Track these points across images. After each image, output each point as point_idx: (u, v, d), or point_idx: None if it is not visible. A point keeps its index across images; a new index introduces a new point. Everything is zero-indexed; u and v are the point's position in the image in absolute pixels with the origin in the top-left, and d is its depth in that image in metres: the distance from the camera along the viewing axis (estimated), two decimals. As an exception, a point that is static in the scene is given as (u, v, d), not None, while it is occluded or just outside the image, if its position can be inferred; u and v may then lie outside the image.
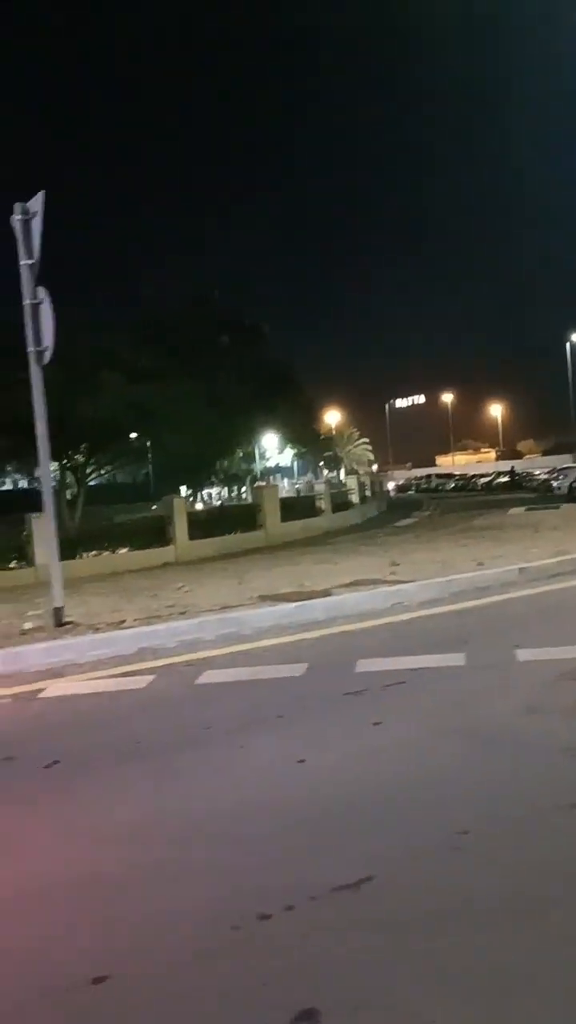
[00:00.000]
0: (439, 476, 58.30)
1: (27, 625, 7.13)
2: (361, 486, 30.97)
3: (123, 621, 7.04)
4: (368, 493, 32.54)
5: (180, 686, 5.05)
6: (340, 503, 28.62)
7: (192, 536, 22.09)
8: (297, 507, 26.14)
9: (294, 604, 6.86)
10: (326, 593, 7.62)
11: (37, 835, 3.00)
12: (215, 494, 42.99)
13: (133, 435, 24.87)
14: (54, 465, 23.69)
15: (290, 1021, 1.86)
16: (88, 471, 22.74)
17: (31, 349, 6.97)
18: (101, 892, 2.54)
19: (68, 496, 22.95)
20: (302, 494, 31.64)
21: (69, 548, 20.51)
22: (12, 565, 19.40)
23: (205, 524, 22.88)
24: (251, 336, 30.75)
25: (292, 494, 34.37)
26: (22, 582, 16.79)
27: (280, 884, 2.47)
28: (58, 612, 7.09)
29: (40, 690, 5.22)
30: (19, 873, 2.71)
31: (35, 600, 9.79)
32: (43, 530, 19.84)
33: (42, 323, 6.86)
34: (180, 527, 21.79)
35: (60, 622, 7.01)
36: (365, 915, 2.28)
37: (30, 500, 25.29)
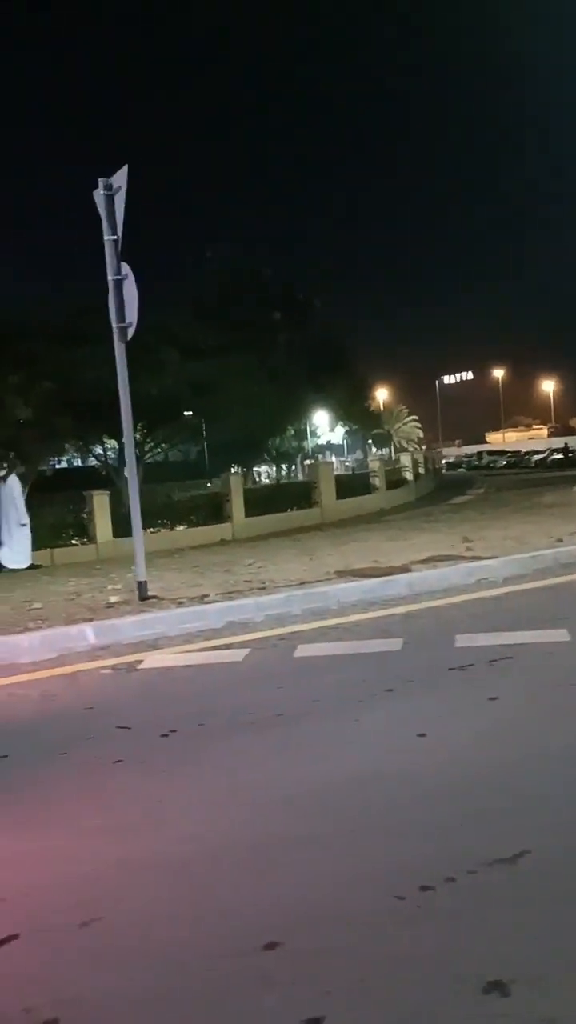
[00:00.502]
0: (491, 453, 57.48)
1: (112, 599, 7.23)
2: (415, 463, 30.71)
3: (206, 595, 7.08)
4: (421, 471, 32.26)
5: (278, 659, 5.07)
6: (394, 481, 28.46)
7: (248, 513, 22.22)
8: (351, 485, 26.10)
9: (378, 579, 6.82)
10: (405, 569, 7.56)
11: (181, 802, 3.03)
12: (263, 472, 43.05)
13: (188, 413, 24.96)
14: (112, 443, 24.00)
15: (480, 991, 1.84)
16: (147, 449, 22.92)
17: (115, 325, 6.99)
18: (260, 859, 2.55)
19: (126, 474, 23.19)
20: (356, 472, 31.48)
21: (128, 525, 20.88)
22: (74, 542, 19.79)
23: (261, 501, 22.99)
24: (303, 312, 30.55)
25: (342, 472, 34.24)
26: (85, 558, 17.12)
27: (434, 856, 2.46)
28: (142, 586, 7.17)
29: (138, 661, 5.29)
30: (177, 838, 2.74)
31: (109, 575, 9.94)
32: (104, 507, 20.23)
33: (126, 299, 6.87)
34: (237, 504, 21.93)
35: (144, 596, 7.10)
36: (529, 887, 2.26)
37: (87, 478, 25.69)
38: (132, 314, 6.85)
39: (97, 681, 4.96)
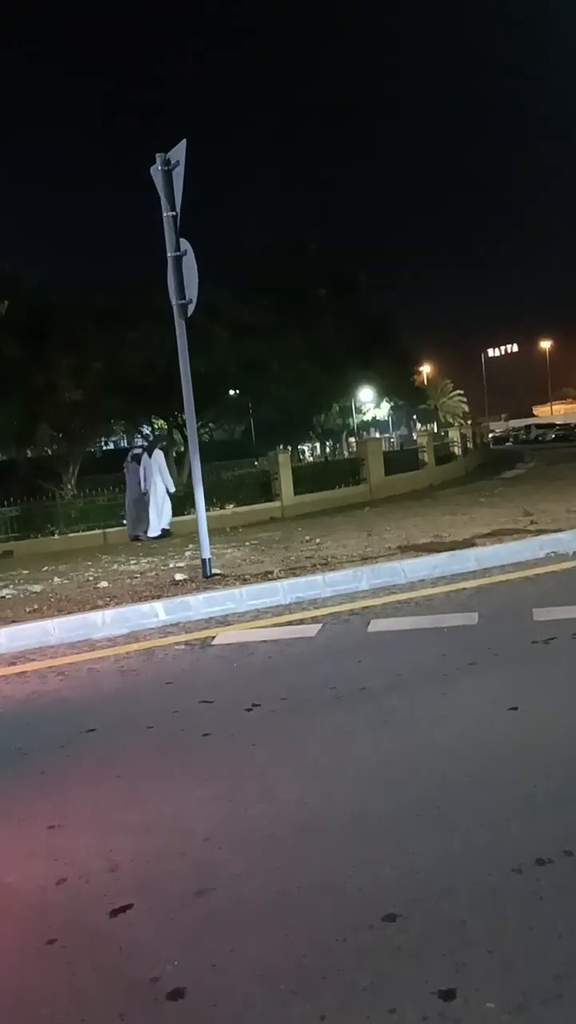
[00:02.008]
0: (539, 426, 56.37)
1: (177, 576, 7.28)
2: (463, 438, 30.28)
3: (270, 572, 7.08)
4: (470, 445, 31.79)
5: (352, 634, 5.04)
6: (442, 456, 28.09)
7: (297, 491, 22.15)
8: (400, 461, 25.79)
9: (446, 554, 6.73)
10: (469, 543, 7.46)
11: (281, 775, 3.03)
12: (308, 450, 42.90)
13: (233, 391, 24.93)
14: (160, 423, 24.13)
15: (619, 966, 1.80)
16: (197, 428, 23.02)
17: (175, 302, 6.97)
18: (368, 832, 2.54)
19: (174, 454, 23.29)
20: (405, 447, 31.17)
21: (179, 505, 21.00)
22: (125, 522, 19.98)
23: (309, 479, 22.87)
24: (348, 287, 30.17)
25: (387, 448, 33.95)
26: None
27: (545, 829, 2.41)
28: (206, 563, 7.20)
29: (211, 637, 5.31)
30: (283, 811, 2.74)
31: (168, 553, 10.02)
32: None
33: (185, 275, 6.84)
34: (285, 482, 21.86)
35: (209, 573, 7.13)
36: None
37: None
38: (192, 290, 6.81)
39: (173, 656, 4.99)
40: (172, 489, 14.27)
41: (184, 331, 7.08)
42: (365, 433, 42.65)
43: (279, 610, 5.92)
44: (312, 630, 5.20)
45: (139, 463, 14.74)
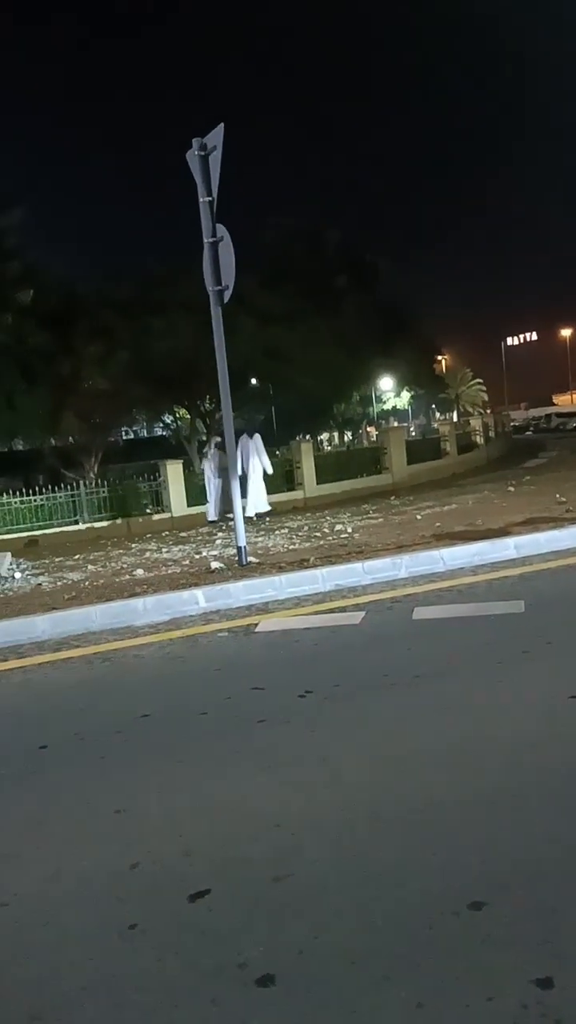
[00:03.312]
0: (560, 415, 55.83)
1: (213, 564, 7.27)
2: (485, 427, 30.07)
3: (306, 560, 7.07)
4: (492, 434, 31.57)
5: (397, 621, 5.01)
6: (464, 445, 27.92)
7: (319, 480, 22.11)
8: (422, 449, 25.66)
9: (485, 542, 6.67)
10: (504, 532, 7.40)
11: (347, 761, 3.01)
12: (326, 439, 42.75)
13: (255, 380, 24.87)
14: (182, 412, 24.11)
15: None
16: (218, 417, 22.94)
17: (211, 289, 6.93)
18: (442, 819, 2.51)
19: (196, 443, 23.30)
20: (427, 436, 31.00)
21: (201, 494, 21.00)
22: (148, 511, 20.04)
23: (331, 468, 22.80)
24: (369, 276, 29.94)
25: (407, 437, 33.68)
26: (159, 527, 17.30)
27: (627, 818, 2.38)
28: (241, 551, 7.19)
29: (254, 624, 5.30)
30: (352, 797, 2.72)
31: (199, 540, 10.02)
32: (177, 476, 20.41)
33: (222, 261, 6.80)
34: (308, 471, 21.82)
35: (244, 561, 7.12)
36: None
37: (156, 447, 25.93)
38: (229, 276, 6.78)
39: (217, 643, 4.99)
40: (270, 471, 15.07)
41: (220, 318, 7.04)
42: (384, 422, 42.41)
43: (319, 597, 5.90)
44: (356, 617, 5.17)
45: (221, 450, 15.28)
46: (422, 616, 5.01)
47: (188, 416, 24.04)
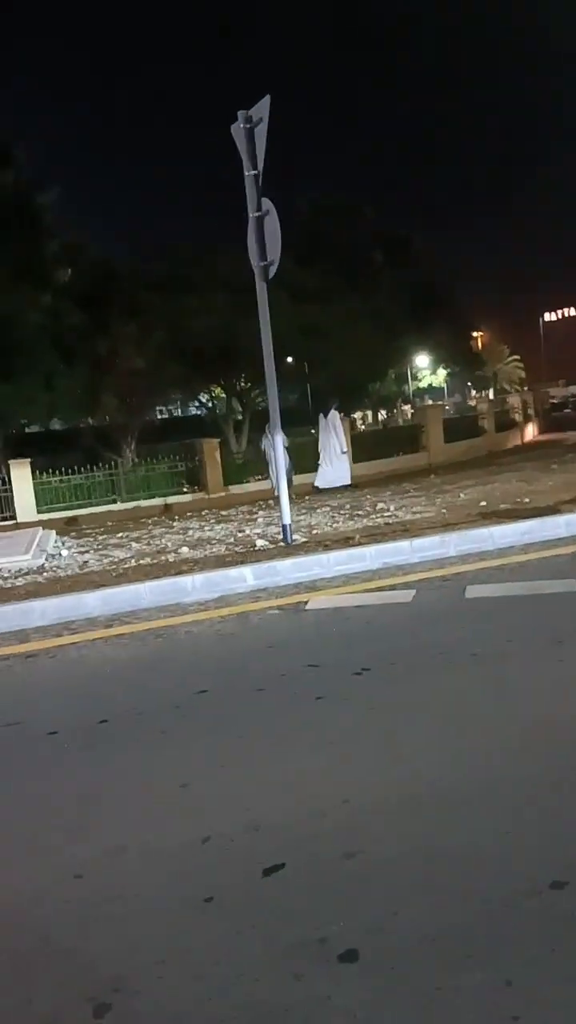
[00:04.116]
0: (599, 392, 54.77)
1: (258, 543, 7.27)
2: (524, 404, 29.64)
3: (351, 538, 7.02)
4: (530, 411, 31.12)
5: (449, 600, 4.96)
6: (502, 422, 27.57)
7: (356, 459, 21.97)
8: (459, 427, 25.40)
9: (534, 520, 6.57)
10: (554, 510, 7.28)
11: (411, 739, 2.98)
12: (359, 418, 42.46)
13: (290, 358, 24.74)
14: (218, 391, 24.09)
15: None
16: (254, 396, 22.92)
17: (256, 264, 6.86)
18: (514, 797, 2.48)
19: (232, 423, 23.28)
20: (463, 414, 30.66)
21: (237, 473, 21.02)
22: (185, 490, 20.13)
23: (368, 446, 22.67)
24: (404, 251, 29.54)
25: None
26: (197, 506, 17.37)
27: None
28: (286, 529, 7.17)
29: (303, 602, 5.29)
30: (418, 775, 2.69)
31: (242, 519, 10.02)
32: (214, 455, 20.45)
33: (268, 236, 6.72)
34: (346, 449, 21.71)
35: (289, 539, 7.10)
36: None
37: (192, 427, 25.95)
38: (275, 251, 6.70)
39: (268, 621, 4.98)
40: (344, 449, 15.53)
41: (265, 293, 6.98)
42: (419, 400, 42.01)
43: (367, 575, 5.86)
44: (407, 595, 5.13)
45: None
46: (475, 595, 4.95)
47: (224, 395, 24.01)
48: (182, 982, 1.87)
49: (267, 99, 6.42)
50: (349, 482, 15.43)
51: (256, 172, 6.65)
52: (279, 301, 19.36)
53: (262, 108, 6.46)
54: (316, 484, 15.34)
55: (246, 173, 6.69)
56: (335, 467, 15.35)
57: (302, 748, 3.04)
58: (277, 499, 12.83)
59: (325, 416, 15.68)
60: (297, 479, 19.37)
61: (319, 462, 15.56)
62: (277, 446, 7.55)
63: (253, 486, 20.41)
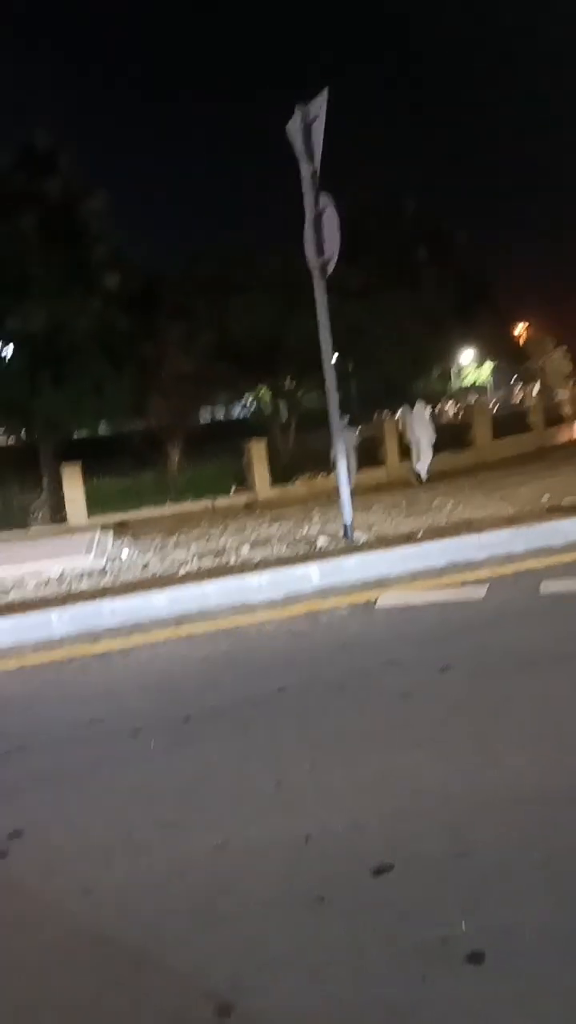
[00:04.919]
0: None
1: (319, 542, 7.23)
2: (573, 398, 29.09)
3: (413, 535, 6.94)
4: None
5: (524, 597, 4.85)
6: (552, 418, 27.10)
7: (403, 457, 21.81)
8: (508, 423, 25.03)
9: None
10: (621, 504, 7.11)
11: (507, 738, 2.92)
12: (398, 416, 42.11)
13: (335, 356, 24.65)
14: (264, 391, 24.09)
15: None
16: (300, 396, 22.88)
17: (314, 261, 6.83)
18: None
19: (279, 423, 23.27)
20: (513, 410, 30.22)
21: (284, 473, 21.01)
22: (234, 491, 20.20)
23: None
24: (448, 246, 29.22)
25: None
26: (246, 506, 17.42)
27: None
28: (347, 528, 7.12)
29: (373, 600, 5.23)
30: (522, 775, 2.63)
31: (297, 518, 10.00)
32: (262, 456, 20.47)
33: (325, 232, 6.68)
34: (392, 448, 21.60)
35: (351, 537, 7.05)
36: None
37: (237, 428, 26.02)
38: (333, 248, 6.65)
39: (339, 619, 4.94)
40: (432, 439, 16.23)
41: (324, 290, 6.94)
42: (462, 397, 41.49)
43: (435, 572, 5.78)
44: (478, 592, 5.04)
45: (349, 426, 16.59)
46: (550, 591, 4.84)
47: (269, 396, 24.02)
48: (303, 982, 1.84)
49: (324, 93, 6.37)
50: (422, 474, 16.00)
51: (314, 169, 6.61)
52: (328, 299, 19.42)
53: (319, 103, 6.42)
54: (421, 476, 15.97)
55: (303, 171, 6.66)
56: (425, 457, 15.98)
57: (393, 746, 2.99)
58: (335, 496, 12.89)
59: (411, 409, 16.37)
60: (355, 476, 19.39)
61: (413, 456, 16.17)
62: (338, 444, 7.50)
63: (300, 486, 20.41)
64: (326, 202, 6.62)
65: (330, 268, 6.80)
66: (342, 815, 2.53)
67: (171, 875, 2.32)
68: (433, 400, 37.56)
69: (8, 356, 18.72)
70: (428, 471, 16.32)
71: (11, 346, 18.50)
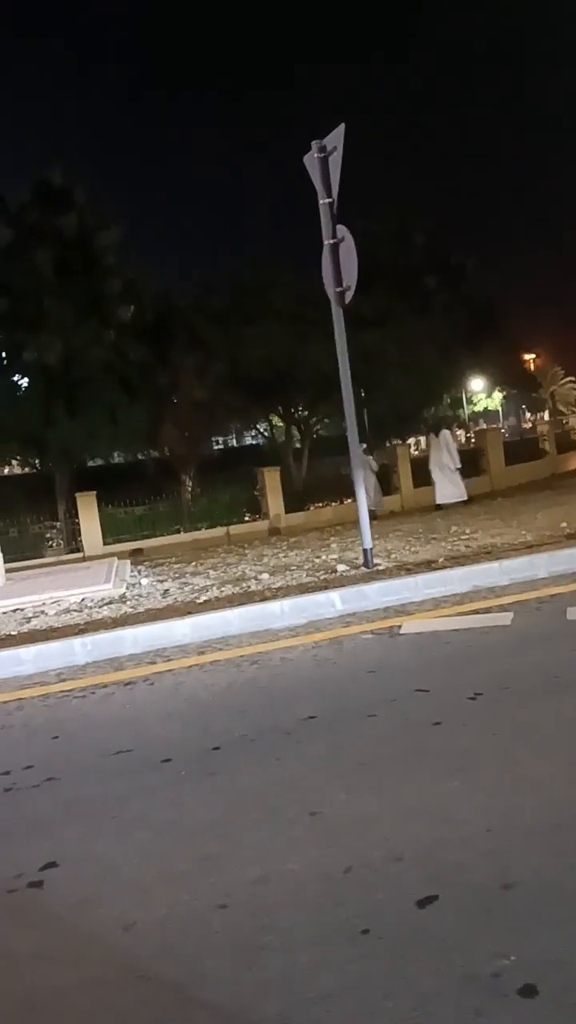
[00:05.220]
0: None
1: (339, 568, 7.21)
2: (584, 425, 29.12)
3: (433, 561, 6.92)
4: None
5: (550, 622, 4.82)
6: (564, 444, 27.12)
7: (416, 484, 21.84)
8: (519, 450, 25.08)
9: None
10: None
11: (537, 766, 2.87)
12: (412, 444, 42.20)
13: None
14: (276, 420, 24.24)
15: None
16: (314, 423, 23.02)
17: (332, 291, 6.90)
18: None
19: (291, 451, 23.38)
20: (524, 436, 30.27)
21: (297, 500, 21.04)
22: (247, 518, 20.23)
23: (426, 471, 22.48)
24: (457, 275, 29.49)
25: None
26: (261, 534, 17.42)
27: None
28: (367, 554, 7.11)
29: (397, 626, 5.20)
30: (561, 804, 2.58)
31: (315, 545, 9.99)
32: (275, 483, 20.52)
33: (344, 261, 6.75)
34: (404, 475, 21.66)
35: (370, 564, 7.03)
36: None
37: (249, 456, 26.15)
38: (351, 277, 6.72)
39: (363, 645, 4.91)
40: (457, 465, 15.97)
41: (342, 320, 7.00)
42: (473, 424, 41.59)
43: (457, 599, 5.75)
44: (504, 618, 5.01)
45: (368, 453, 17.08)
46: (577, 616, 4.80)
47: (282, 423, 24.16)
48: (354, 1016, 1.80)
49: (341, 128, 6.49)
50: (465, 498, 15.79)
51: (331, 200, 6.71)
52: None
53: (337, 137, 6.54)
54: (437, 501, 15.82)
55: (320, 201, 6.75)
56: (453, 483, 15.77)
57: (428, 774, 2.95)
58: (350, 524, 12.87)
59: (436, 435, 16.32)
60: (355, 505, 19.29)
61: (433, 480, 16.06)
62: (357, 470, 7.51)
63: (313, 513, 20.42)
64: (343, 232, 6.71)
65: (348, 297, 6.86)
66: (381, 846, 2.49)
67: (212, 910, 2.29)
68: (444, 428, 37.78)
69: (24, 387, 18.94)
70: (451, 497, 15.93)
71: (26, 378, 18.73)
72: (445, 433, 16.57)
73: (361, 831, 2.61)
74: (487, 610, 5.29)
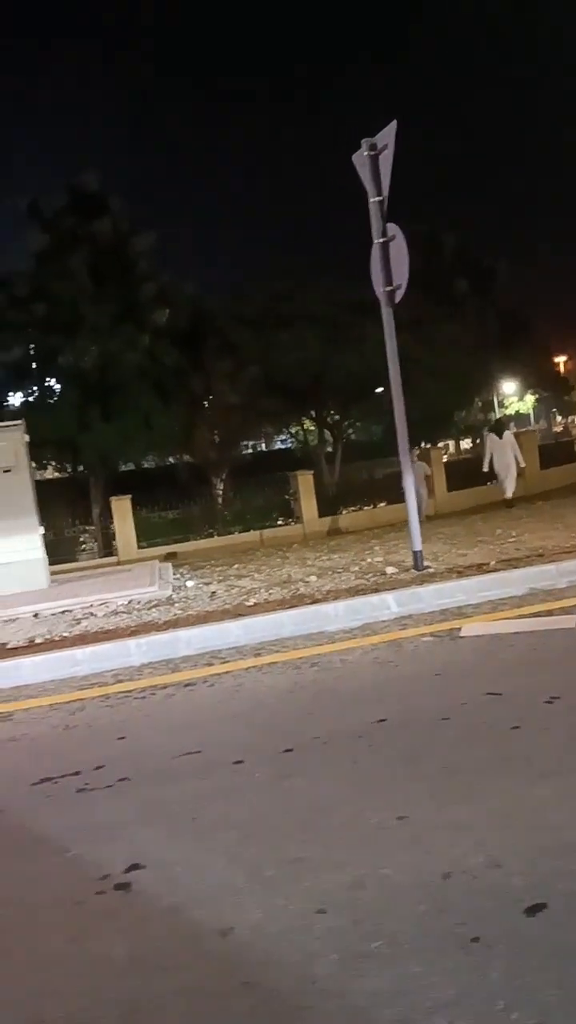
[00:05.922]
0: None
1: (388, 570, 7.14)
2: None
3: (484, 564, 6.82)
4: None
5: (618, 625, 4.70)
6: (598, 447, 26.77)
7: (449, 488, 21.68)
8: (555, 453, 24.81)
9: None
10: None
11: None
12: (442, 448, 41.92)
13: (379, 389, 24.72)
14: (309, 424, 24.18)
15: None
16: (346, 427, 22.96)
17: (381, 290, 6.84)
18: None
19: (324, 454, 23.32)
20: (559, 440, 29.96)
21: (330, 504, 20.97)
22: (280, 522, 20.20)
23: (461, 475, 22.32)
24: (488, 279, 29.33)
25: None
26: (294, 538, 17.36)
27: None
28: (418, 556, 7.02)
29: (456, 629, 5.11)
30: None
31: (358, 547, 9.92)
32: (309, 487, 20.46)
33: (393, 261, 6.69)
34: (439, 479, 21.48)
35: (420, 566, 6.94)
36: None
37: (282, 460, 26.11)
38: (401, 275, 6.66)
39: (424, 648, 4.83)
40: (523, 464, 16.00)
41: (392, 320, 6.94)
42: (490, 430, 41.11)
43: (516, 601, 5.65)
44: (568, 621, 4.90)
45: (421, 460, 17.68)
46: None
47: (314, 427, 24.12)
48: (476, 1029, 1.73)
49: (393, 125, 6.44)
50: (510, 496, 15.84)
51: (381, 198, 6.65)
52: (369, 333, 19.49)
53: (388, 134, 6.48)
54: (508, 496, 15.72)
55: (370, 200, 6.70)
56: (512, 479, 15.69)
57: (515, 779, 2.87)
58: (387, 527, 12.76)
59: (500, 436, 16.34)
60: (389, 508, 19.27)
61: (502, 480, 15.96)
62: (408, 473, 7.43)
63: (346, 517, 20.34)
64: (394, 230, 6.64)
65: (398, 297, 6.80)
66: (477, 851, 2.42)
67: (310, 915, 2.22)
68: (477, 432, 37.44)
69: (58, 392, 19.09)
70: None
71: (61, 383, 18.88)
72: (508, 434, 16.73)
73: (454, 837, 2.53)
74: (548, 612, 5.18)
